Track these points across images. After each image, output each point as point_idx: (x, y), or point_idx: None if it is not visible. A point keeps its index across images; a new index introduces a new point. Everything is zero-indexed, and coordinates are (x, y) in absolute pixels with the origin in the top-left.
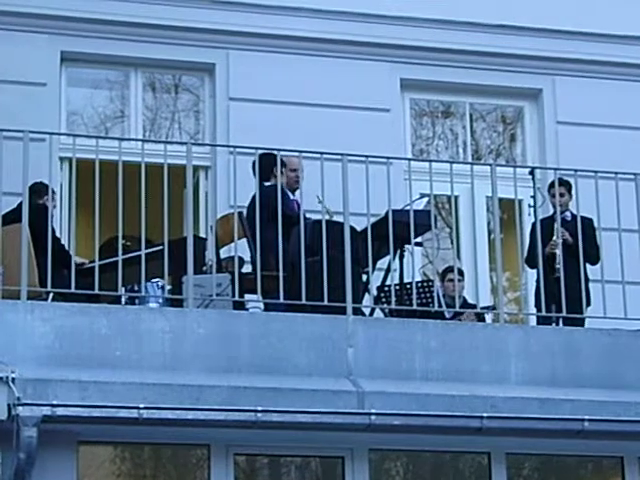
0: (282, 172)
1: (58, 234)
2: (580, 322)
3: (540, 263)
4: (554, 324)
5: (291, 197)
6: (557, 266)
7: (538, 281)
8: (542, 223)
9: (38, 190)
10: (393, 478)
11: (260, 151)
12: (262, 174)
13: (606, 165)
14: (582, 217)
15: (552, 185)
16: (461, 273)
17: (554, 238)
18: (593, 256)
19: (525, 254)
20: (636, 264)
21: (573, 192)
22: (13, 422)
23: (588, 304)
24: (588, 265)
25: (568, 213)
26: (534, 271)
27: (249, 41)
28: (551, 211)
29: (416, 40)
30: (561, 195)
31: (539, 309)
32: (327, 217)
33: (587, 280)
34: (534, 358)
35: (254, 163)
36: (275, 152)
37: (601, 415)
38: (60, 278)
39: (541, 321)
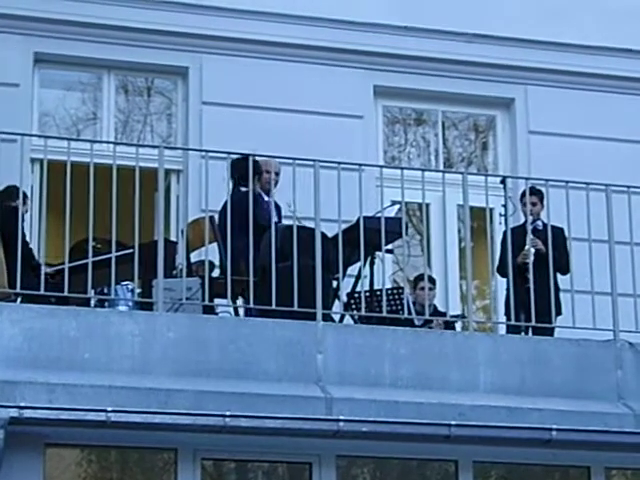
0: (258, 178)
1: (28, 236)
2: (549, 332)
3: (510, 272)
4: (523, 333)
5: (265, 199)
6: (528, 276)
7: (508, 290)
8: (513, 232)
9: (10, 193)
10: None
11: (232, 156)
12: (240, 179)
13: (577, 175)
14: (553, 227)
15: (524, 194)
16: (433, 281)
17: (526, 247)
18: (563, 266)
19: (496, 263)
20: (606, 274)
21: (545, 202)
22: None
23: (558, 314)
24: (559, 275)
25: (539, 222)
26: (505, 280)
27: (223, 45)
28: (522, 220)
29: (390, 47)
30: (533, 204)
31: (509, 318)
32: (297, 222)
33: (557, 290)
34: (503, 367)
35: (232, 167)
36: (248, 157)
37: (569, 425)
38: (30, 280)
39: (510, 330)
